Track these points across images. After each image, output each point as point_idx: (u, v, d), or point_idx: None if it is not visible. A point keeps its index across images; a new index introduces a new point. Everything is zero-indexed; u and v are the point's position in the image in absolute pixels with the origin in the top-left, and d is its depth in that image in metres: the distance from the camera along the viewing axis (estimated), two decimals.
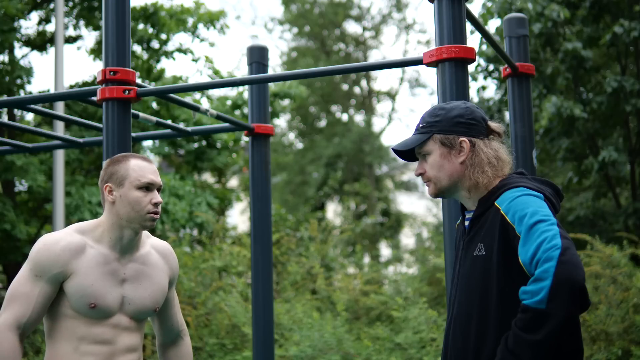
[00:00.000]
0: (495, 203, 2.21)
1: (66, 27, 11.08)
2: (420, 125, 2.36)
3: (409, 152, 2.42)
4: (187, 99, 10.05)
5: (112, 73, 3.35)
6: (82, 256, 2.47)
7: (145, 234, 2.70)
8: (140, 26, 11.13)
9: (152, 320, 2.77)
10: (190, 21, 11.58)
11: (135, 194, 2.52)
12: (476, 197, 2.31)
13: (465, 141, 2.28)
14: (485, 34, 3.65)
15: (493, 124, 2.33)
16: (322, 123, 23.67)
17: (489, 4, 9.72)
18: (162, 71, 11.52)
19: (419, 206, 22.65)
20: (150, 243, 2.69)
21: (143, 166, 2.55)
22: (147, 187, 2.53)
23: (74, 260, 2.45)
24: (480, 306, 2.19)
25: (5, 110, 9.82)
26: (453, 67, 2.92)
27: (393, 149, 2.40)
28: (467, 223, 2.33)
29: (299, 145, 23.71)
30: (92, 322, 2.48)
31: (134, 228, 2.54)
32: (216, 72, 12.03)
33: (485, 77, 10.34)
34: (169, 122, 4.69)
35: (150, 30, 11.25)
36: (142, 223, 2.53)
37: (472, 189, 2.30)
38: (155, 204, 2.54)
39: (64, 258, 2.44)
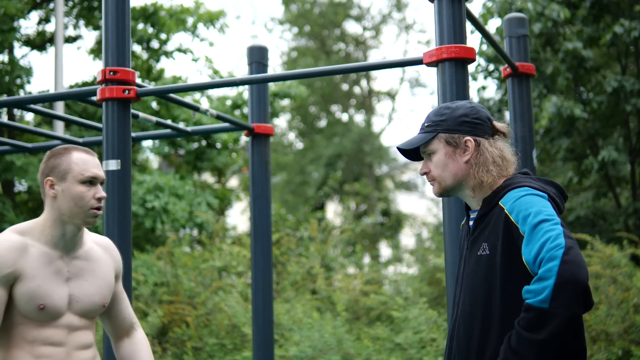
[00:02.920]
0: (499, 203, 2.21)
1: (66, 27, 11.08)
2: (426, 124, 2.37)
3: (413, 151, 2.42)
4: (187, 98, 10.04)
5: (112, 73, 3.34)
6: (26, 256, 2.39)
7: (85, 229, 2.61)
8: (140, 26, 11.13)
9: (101, 318, 2.70)
10: (190, 21, 11.59)
11: (79, 188, 2.43)
12: (480, 196, 2.31)
13: (471, 140, 2.28)
14: (485, 34, 3.64)
15: (498, 124, 2.34)
16: (322, 123, 23.67)
17: (489, 4, 9.72)
18: (162, 71, 11.52)
19: (419, 206, 22.64)
20: (91, 238, 2.61)
21: (86, 159, 2.46)
22: (91, 181, 2.44)
23: (20, 260, 2.37)
24: (485, 306, 2.19)
25: (5, 110, 9.82)
26: (453, 67, 2.92)
27: (398, 148, 2.40)
28: (471, 223, 2.33)
29: (299, 145, 23.71)
30: (42, 325, 2.40)
31: (76, 224, 2.45)
32: (216, 72, 12.03)
33: (485, 77, 10.33)
34: (169, 122, 4.69)
35: (150, 30, 11.25)
36: (85, 219, 2.44)
37: (477, 188, 2.30)
38: (99, 199, 2.45)
39: (11, 257, 2.35)
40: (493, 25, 9.95)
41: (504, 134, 2.34)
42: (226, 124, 4.73)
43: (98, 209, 2.45)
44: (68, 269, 2.48)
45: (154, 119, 4.26)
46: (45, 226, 2.45)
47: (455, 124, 2.30)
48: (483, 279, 2.21)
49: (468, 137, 2.29)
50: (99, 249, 2.61)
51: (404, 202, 23.41)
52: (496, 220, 2.20)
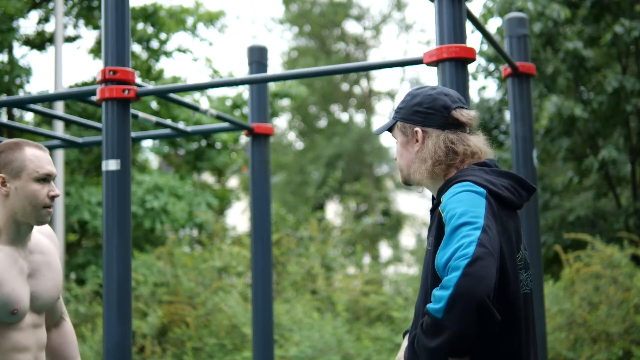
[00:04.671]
0: (441, 197, 2.09)
1: (65, 27, 11.07)
2: (394, 109, 2.30)
3: None
4: (187, 98, 10.04)
5: (111, 73, 3.34)
6: None
7: None
8: (140, 26, 11.12)
9: None
10: (190, 21, 11.58)
11: (33, 186, 2.33)
12: (436, 188, 2.20)
13: (419, 131, 2.19)
14: (485, 34, 3.64)
15: (458, 113, 2.17)
16: (322, 123, 23.66)
17: (490, 4, 9.71)
18: (162, 71, 11.51)
19: (419, 206, 22.63)
20: (34, 231, 2.49)
21: (40, 156, 2.36)
22: (45, 179, 2.35)
23: None
24: (424, 301, 2.08)
25: (4, 110, 9.81)
26: (453, 66, 2.91)
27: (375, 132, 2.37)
28: None
29: (299, 145, 23.70)
30: (12, 329, 2.31)
31: (29, 222, 2.35)
32: (216, 72, 12.03)
33: (485, 77, 10.33)
34: (169, 122, 4.68)
35: (150, 30, 11.24)
36: (38, 218, 2.35)
37: (432, 179, 2.19)
38: (52, 197, 2.36)
39: None
40: (493, 25, 9.95)
41: (464, 124, 2.19)
42: (226, 124, 4.73)
43: (50, 207, 2.37)
44: (27, 265, 2.39)
45: (154, 118, 4.25)
46: (1, 226, 2.35)
47: (409, 113, 2.21)
48: (424, 273, 2.12)
49: (417, 128, 2.19)
50: (45, 239, 2.51)
51: (404, 202, 23.40)
52: (438, 215, 2.07)
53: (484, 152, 2.20)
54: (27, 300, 2.35)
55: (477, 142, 2.20)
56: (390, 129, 2.28)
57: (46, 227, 2.57)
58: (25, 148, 2.36)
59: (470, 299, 1.83)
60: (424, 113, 2.18)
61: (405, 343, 2.17)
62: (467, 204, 1.98)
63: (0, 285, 2.27)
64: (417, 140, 2.19)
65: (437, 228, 2.05)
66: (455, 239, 1.91)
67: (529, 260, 2.21)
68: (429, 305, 1.91)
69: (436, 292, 1.90)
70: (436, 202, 2.15)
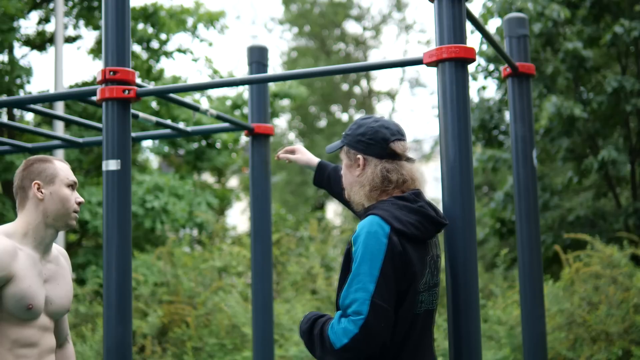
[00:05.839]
0: (359, 223, 2.39)
1: (66, 27, 11.07)
2: (343, 133, 2.60)
3: None
4: (187, 98, 10.04)
5: (112, 73, 3.34)
6: (17, 258, 2.49)
7: None
8: (140, 26, 11.13)
9: None
10: (190, 21, 11.58)
11: (66, 191, 2.61)
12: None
13: (361, 158, 2.49)
14: (485, 34, 3.64)
15: (395, 146, 2.47)
16: (322, 123, 23.67)
17: (489, 4, 9.71)
18: (162, 71, 11.52)
19: None
20: (53, 246, 2.74)
21: (66, 167, 2.67)
22: (72, 186, 2.64)
23: (13, 263, 2.46)
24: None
25: (4, 110, 9.82)
26: (453, 67, 2.91)
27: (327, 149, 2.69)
28: None
29: (299, 145, 23.70)
30: (24, 325, 2.49)
31: (58, 227, 2.60)
32: (216, 72, 12.03)
33: (485, 77, 10.33)
34: (169, 122, 4.68)
35: (150, 30, 11.24)
36: (68, 221, 2.61)
37: (368, 202, 2.49)
38: (79, 203, 2.65)
39: (5, 261, 2.45)
40: (493, 25, 9.95)
41: (401, 156, 2.48)
42: (226, 124, 4.73)
43: (77, 212, 2.65)
44: (44, 271, 2.59)
45: (154, 119, 4.26)
46: (29, 229, 2.57)
47: (354, 141, 2.52)
48: (342, 273, 2.45)
49: (359, 155, 2.49)
50: (61, 256, 2.74)
51: None
52: (349, 245, 2.39)
53: (415, 180, 2.50)
54: (42, 300, 2.54)
55: (411, 170, 2.50)
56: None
57: (62, 249, 2.81)
58: (53, 160, 2.65)
59: (362, 351, 2.27)
60: (366, 143, 2.49)
61: (313, 315, 2.50)
62: (370, 250, 2.29)
63: (18, 279, 2.47)
64: (358, 166, 2.50)
65: (347, 255, 2.39)
66: (354, 286, 2.28)
67: (436, 279, 2.50)
68: (332, 336, 2.29)
69: (337, 327, 2.28)
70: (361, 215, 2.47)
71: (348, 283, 2.31)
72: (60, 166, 2.64)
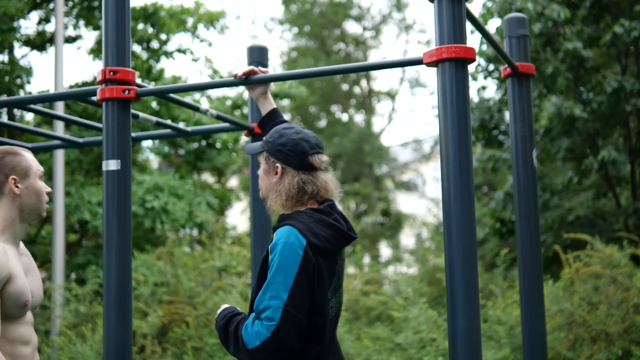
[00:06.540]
0: (275, 231, 2.51)
1: (66, 27, 11.07)
2: (263, 138, 2.70)
3: None
4: (187, 98, 10.04)
5: (112, 73, 3.34)
6: (9, 256, 2.46)
7: None
8: (140, 26, 11.12)
9: None
10: (190, 21, 11.58)
11: (39, 183, 2.60)
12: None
13: (279, 167, 2.61)
14: (485, 34, 3.64)
15: (313, 159, 2.60)
16: (322, 123, 23.67)
17: (489, 4, 9.71)
18: (162, 71, 11.51)
19: (419, 206, 22.63)
20: None
21: (34, 158, 2.66)
22: (41, 177, 2.64)
23: (8, 262, 2.44)
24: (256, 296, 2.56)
25: (5, 110, 9.82)
26: (453, 67, 2.91)
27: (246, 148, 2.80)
28: None
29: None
30: (18, 322, 2.47)
31: (31, 220, 2.60)
32: (216, 72, 12.03)
33: (485, 77, 10.32)
34: (169, 122, 4.68)
35: (150, 30, 11.24)
36: (41, 212, 2.62)
37: (283, 210, 2.62)
38: (49, 193, 2.65)
39: (3, 261, 2.41)
40: (493, 25, 9.94)
41: (318, 168, 2.61)
42: (226, 124, 4.73)
43: (47, 202, 2.65)
44: (22, 265, 2.57)
45: (154, 119, 4.26)
46: (5, 226, 2.52)
47: (274, 149, 2.63)
48: (256, 280, 2.57)
49: (278, 164, 2.61)
50: (24, 247, 2.71)
51: (404, 202, 23.40)
52: (267, 252, 2.50)
53: (329, 192, 2.64)
54: (30, 295, 2.51)
55: (325, 181, 2.63)
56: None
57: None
58: (22, 152, 2.62)
59: (272, 355, 2.39)
60: (285, 154, 2.60)
61: (229, 311, 2.59)
62: (286, 261, 2.41)
63: (15, 277, 2.44)
64: (276, 174, 2.62)
65: (264, 262, 2.50)
66: (268, 294, 2.40)
67: (341, 281, 2.67)
68: (245, 337, 2.41)
69: (251, 329, 2.40)
70: (273, 234, 2.55)
71: (263, 290, 2.43)
72: (31, 157, 2.61)
